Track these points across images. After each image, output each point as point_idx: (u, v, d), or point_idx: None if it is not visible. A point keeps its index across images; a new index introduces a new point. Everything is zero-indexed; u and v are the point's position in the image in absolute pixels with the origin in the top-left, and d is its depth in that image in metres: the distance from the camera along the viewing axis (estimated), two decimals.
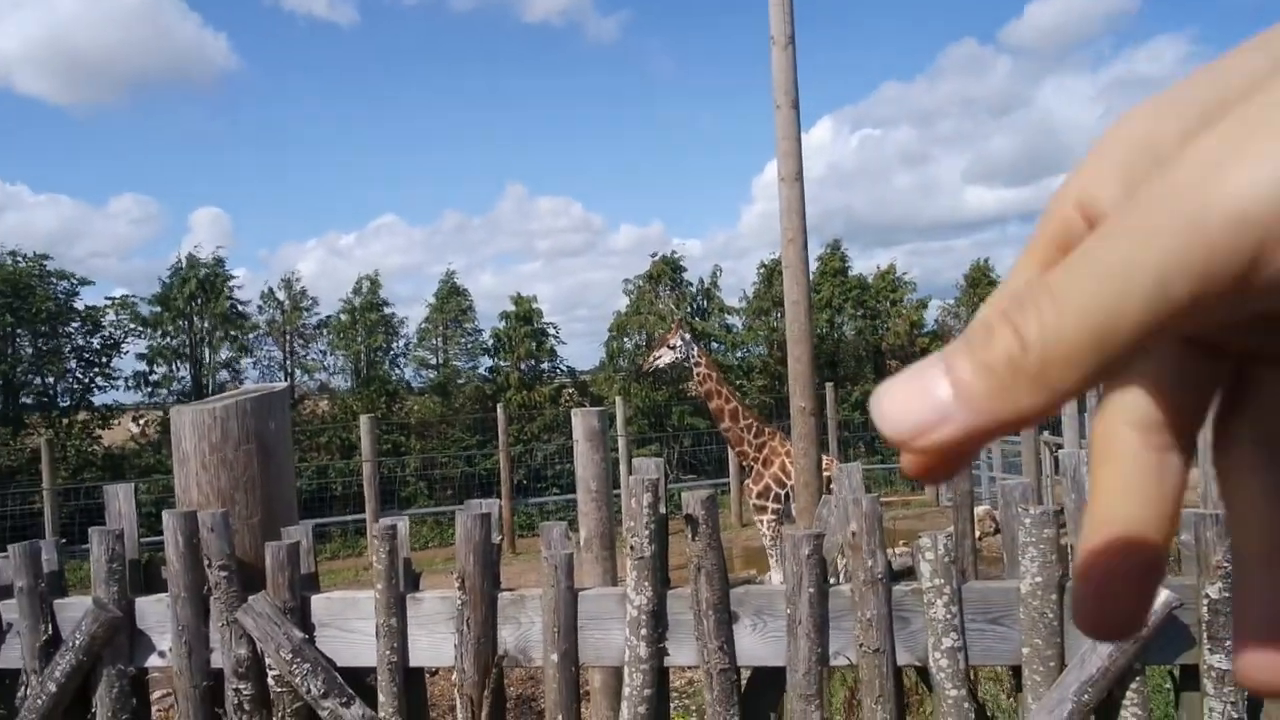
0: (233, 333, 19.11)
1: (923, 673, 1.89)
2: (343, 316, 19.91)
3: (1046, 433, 12.67)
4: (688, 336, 8.62)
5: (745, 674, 1.99)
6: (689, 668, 1.98)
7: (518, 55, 75.91)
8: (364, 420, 12.97)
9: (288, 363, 20.23)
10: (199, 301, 18.59)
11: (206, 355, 19.10)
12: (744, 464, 8.54)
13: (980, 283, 22.82)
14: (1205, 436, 0.28)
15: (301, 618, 2.08)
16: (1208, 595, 1.74)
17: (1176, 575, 1.87)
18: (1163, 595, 1.72)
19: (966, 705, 1.83)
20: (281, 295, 20.11)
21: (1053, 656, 1.80)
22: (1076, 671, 1.76)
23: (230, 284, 19.01)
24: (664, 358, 8.66)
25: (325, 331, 20.26)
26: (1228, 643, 1.73)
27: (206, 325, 18.86)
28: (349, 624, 2.10)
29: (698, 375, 8.43)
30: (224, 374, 19.01)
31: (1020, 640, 1.83)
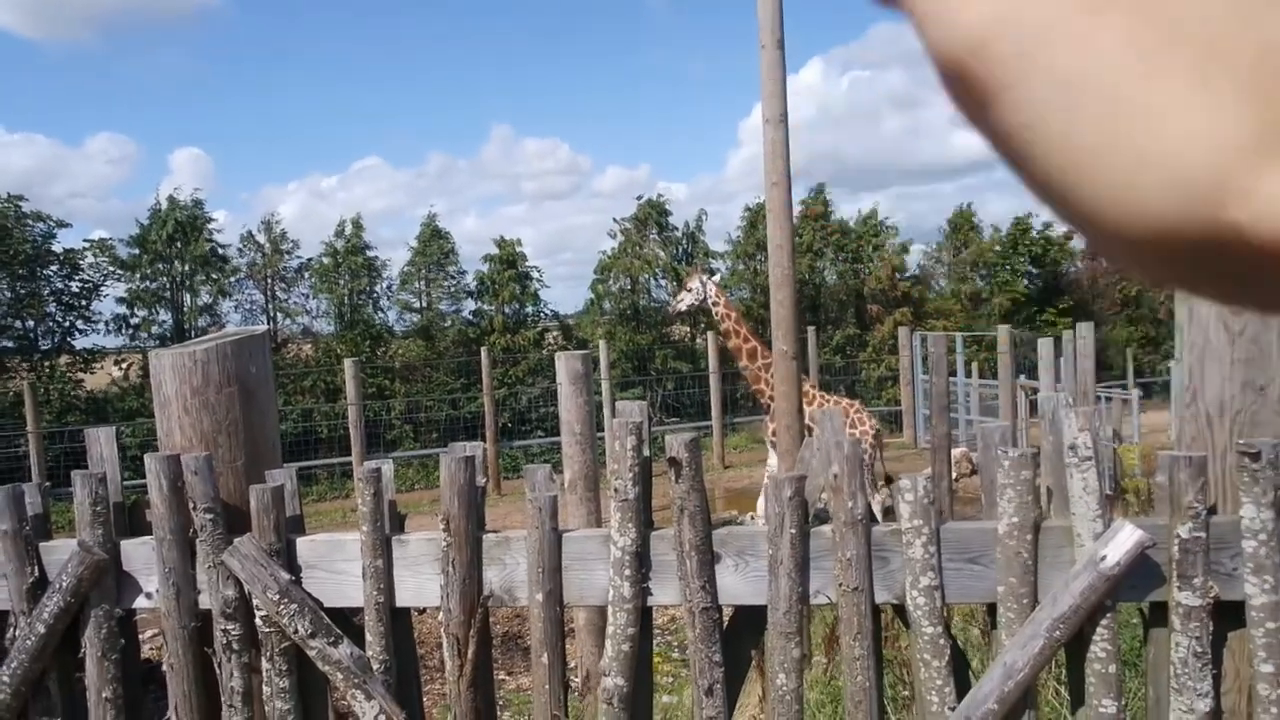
0: (213, 275, 18.86)
1: (900, 610, 1.93)
2: (325, 259, 19.68)
3: (1023, 377, 12.81)
4: (704, 278, 8.63)
5: (727, 612, 2.03)
6: (672, 606, 2.01)
7: None
8: (348, 364, 12.92)
9: (269, 306, 20.04)
10: (178, 244, 18.29)
11: (187, 299, 18.87)
12: (762, 402, 8.57)
13: (963, 227, 22.77)
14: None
15: (288, 559, 2.10)
16: (1179, 535, 1.78)
17: (1150, 515, 1.91)
18: (1136, 535, 1.75)
19: (942, 641, 1.87)
20: (261, 238, 19.82)
21: (1026, 594, 1.84)
22: (1049, 608, 1.80)
23: (210, 226, 18.70)
24: (684, 300, 8.71)
25: (307, 275, 20.04)
26: (1195, 580, 1.77)
27: (186, 268, 18.59)
28: (335, 565, 2.12)
29: (716, 315, 8.50)
30: (205, 318, 18.80)
31: (995, 579, 1.87)
